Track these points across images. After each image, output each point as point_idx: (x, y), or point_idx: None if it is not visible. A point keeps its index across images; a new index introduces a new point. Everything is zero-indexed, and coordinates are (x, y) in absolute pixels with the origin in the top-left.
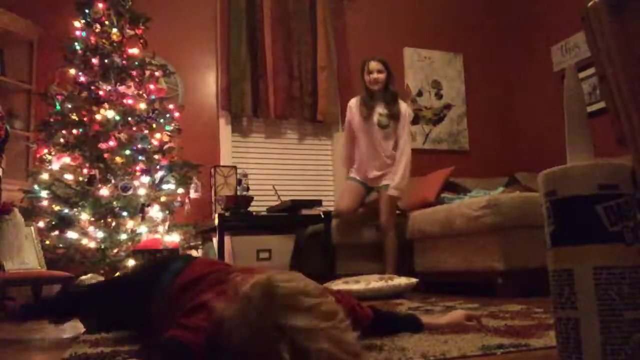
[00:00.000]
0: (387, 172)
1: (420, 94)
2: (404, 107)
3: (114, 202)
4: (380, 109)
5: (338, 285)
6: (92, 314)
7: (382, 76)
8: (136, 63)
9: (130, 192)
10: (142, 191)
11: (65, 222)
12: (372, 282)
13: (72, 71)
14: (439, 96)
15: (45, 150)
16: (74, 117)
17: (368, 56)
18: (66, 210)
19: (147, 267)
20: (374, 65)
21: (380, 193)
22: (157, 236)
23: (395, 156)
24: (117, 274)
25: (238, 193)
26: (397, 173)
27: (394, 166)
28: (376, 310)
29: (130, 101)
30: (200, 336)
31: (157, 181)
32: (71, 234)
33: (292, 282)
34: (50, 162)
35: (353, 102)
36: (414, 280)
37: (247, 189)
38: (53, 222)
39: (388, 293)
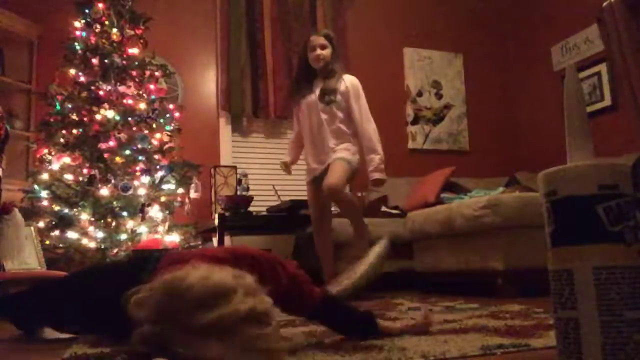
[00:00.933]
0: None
1: (420, 94)
2: (349, 78)
3: (114, 202)
4: (317, 88)
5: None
6: (68, 311)
7: (326, 52)
8: (136, 63)
9: (130, 192)
10: (142, 191)
11: (65, 222)
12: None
13: (72, 71)
14: (439, 96)
15: (45, 150)
16: (74, 117)
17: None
18: (66, 210)
19: (122, 263)
20: (316, 39)
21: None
22: (157, 236)
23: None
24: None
25: (238, 193)
26: (372, 151)
27: (361, 145)
28: (328, 298)
29: (130, 101)
30: None
31: (157, 181)
32: (71, 234)
33: (203, 281)
34: (50, 162)
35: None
36: (382, 241)
37: (247, 189)
38: (53, 222)
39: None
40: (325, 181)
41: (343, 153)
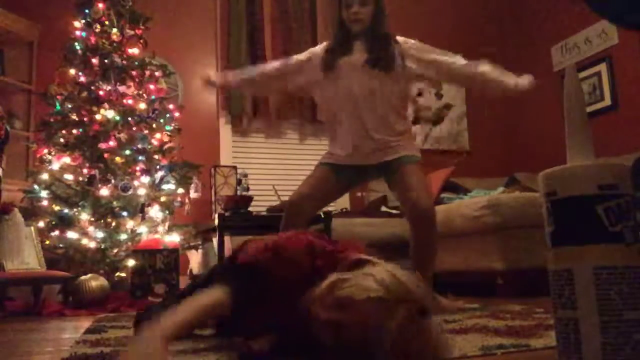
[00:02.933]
0: (393, 142)
1: (420, 94)
2: (403, 39)
3: (114, 202)
4: (364, 51)
5: None
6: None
7: (366, 10)
8: (136, 63)
9: (130, 192)
10: (142, 191)
11: (65, 222)
12: None
13: (72, 71)
14: (438, 96)
15: (45, 150)
16: (74, 117)
17: None
18: (66, 210)
19: None
20: None
21: (397, 170)
22: (157, 236)
23: (399, 126)
24: (118, 274)
25: (238, 193)
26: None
27: (471, 78)
28: None
29: (130, 101)
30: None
31: (157, 181)
32: (71, 234)
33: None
34: (50, 162)
35: (319, 47)
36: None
37: (247, 189)
38: (53, 222)
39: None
40: (419, 201)
41: (412, 149)
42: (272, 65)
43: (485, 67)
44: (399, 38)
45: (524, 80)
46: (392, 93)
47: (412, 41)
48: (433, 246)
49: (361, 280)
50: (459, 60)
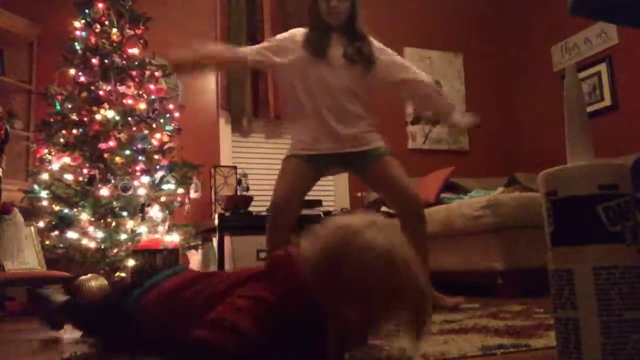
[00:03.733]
0: (366, 132)
1: None
2: (375, 42)
3: (114, 202)
4: (341, 45)
5: None
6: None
7: (344, 6)
8: (136, 63)
9: (130, 192)
10: (142, 191)
11: (65, 222)
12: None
13: (72, 71)
14: None
15: (45, 150)
16: (74, 117)
17: None
18: (66, 210)
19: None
20: None
21: (374, 161)
22: (157, 236)
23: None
24: (118, 274)
25: (238, 193)
26: (441, 102)
27: (428, 96)
28: None
29: (130, 101)
30: (248, 321)
31: (157, 181)
32: (71, 234)
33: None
34: (50, 162)
35: (298, 32)
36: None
37: (247, 189)
38: (53, 222)
39: None
40: (408, 191)
41: (379, 140)
42: (251, 48)
43: (440, 95)
44: (376, 43)
45: (468, 120)
46: (364, 88)
47: (389, 51)
48: (425, 237)
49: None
50: (423, 78)
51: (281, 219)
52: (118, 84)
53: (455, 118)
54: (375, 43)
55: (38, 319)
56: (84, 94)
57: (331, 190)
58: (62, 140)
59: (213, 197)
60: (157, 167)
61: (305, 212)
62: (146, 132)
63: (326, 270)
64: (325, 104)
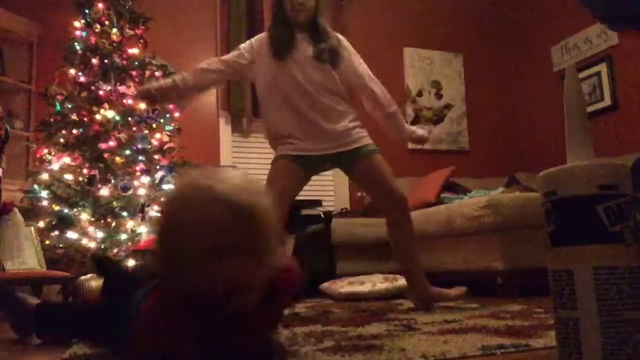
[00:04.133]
0: (351, 128)
1: (420, 94)
2: (340, 36)
3: (114, 202)
4: (308, 42)
5: (343, 286)
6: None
7: (310, 1)
8: (136, 63)
9: (130, 192)
10: (142, 191)
11: (65, 222)
12: (378, 283)
13: (72, 71)
14: (439, 96)
15: (45, 150)
16: (74, 117)
17: None
18: (66, 210)
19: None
20: None
21: (362, 160)
22: None
23: (344, 108)
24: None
25: None
26: (395, 118)
27: (380, 109)
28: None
29: (130, 101)
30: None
31: (157, 181)
32: (71, 234)
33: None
34: (50, 162)
35: (260, 37)
36: None
37: None
38: (53, 222)
39: (394, 294)
40: (395, 191)
41: (367, 138)
42: (211, 64)
43: (395, 110)
44: (334, 33)
45: (423, 131)
46: (337, 83)
47: (345, 41)
48: (411, 236)
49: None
50: (376, 84)
51: None
52: (118, 84)
53: (411, 133)
54: (343, 40)
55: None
56: (84, 94)
57: (331, 190)
58: (62, 140)
59: None
60: (157, 167)
61: (305, 212)
62: (146, 132)
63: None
64: (303, 103)
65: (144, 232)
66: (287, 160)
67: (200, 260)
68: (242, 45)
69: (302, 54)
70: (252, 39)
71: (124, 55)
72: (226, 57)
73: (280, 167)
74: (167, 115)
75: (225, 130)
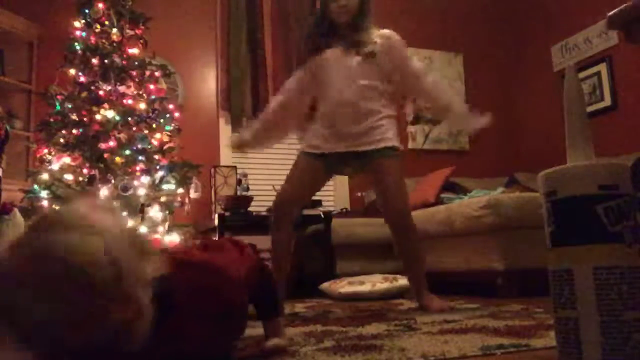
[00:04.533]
0: (374, 128)
1: None
2: (386, 32)
3: (114, 202)
4: (350, 40)
5: (343, 286)
6: None
7: (352, 2)
8: (136, 63)
9: (130, 192)
10: (142, 191)
11: None
12: (378, 284)
13: (72, 71)
14: None
15: (45, 150)
16: (74, 117)
17: None
18: None
19: None
20: None
21: (374, 162)
22: (157, 236)
23: (380, 113)
24: None
25: (238, 193)
26: (452, 99)
27: (432, 95)
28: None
29: (130, 101)
30: None
31: (157, 181)
32: None
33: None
34: (50, 162)
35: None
36: None
37: (247, 189)
38: None
39: (394, 294)
40: (393, 203)
41: (392, 139)
42: (274, 103)
43: (455, 100)
44: (385, 32)
45: (483, 120)
46: (374, 81)
47: (393, 35)
48: (415, 247)
49: None
50: (423, 72)
51: (284, 219)
52: (118, 84)
53: (460, 118)
54: (392, 38)
55: None
56: (84, 94)
57: (331, 190)
58: (62, 140)
59: (213, 197)
60: (157, 167)
61: (305, 212)
62: (146, 132)
63: None
64: (334, 101)
65: (144, 232)
66: (309, 158)
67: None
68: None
69: (341, 53)
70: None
71: (124, 55)
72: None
73: (301, 165)
74: (167, 115)
75: (225, 130)
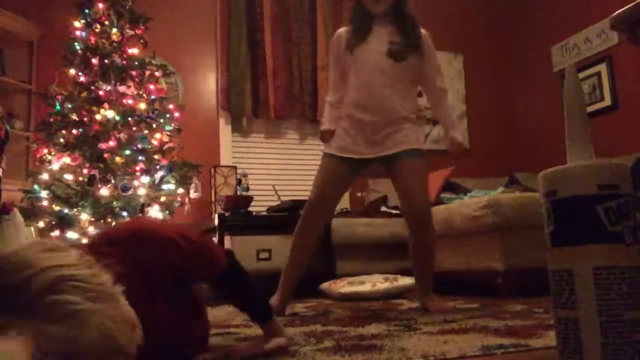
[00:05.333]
0: (400, 130)
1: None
2: (425, 34)
3: (114, 202)
4: (386, 36)
5: (343, 286)
6: None
7: None
8: (136, 63)
9: (130, 192)
10: (142, 191)
11: (65, 222)
12: (378, 284)
13: (72, 71)
14: None
15: (45, 150)
16: (74, 117)
17: None
18: (66, 210)
19: None
20: None
21: (397, 162)
22: None
23: (409, 111)
24: None
25: (238, 193)
26: (447, 116)
27: (436, 111)
28: (234, 264)
29: (130, 101)
30: None
31: (157, 181)
32: (71, 234)
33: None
34: (50, 162)
35: (343, 30)
36: None
37: (247, 189)
38: (53, 222)
39: (394, 294)
40: (414, 202)
41: (415, 142)
42: (337, 88)
43: (447, 112)
44: (423, 32)
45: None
46: (406, 80)
47: (426, 36)
48: (430, 246)
49: None
50: (443, 96)
51: (315, 217)
52: (118, 84)
53: (452, 135)
54: (427, 39)
55: None
56: (84, 94)
57: None
58: (62, 140)
59: (213, 197)
60: (157, 167)
61: None
62: (146, 132)
63: None
64: (361, 100)
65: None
66: (332, 159)
67: None
68: (330, 57)
69: (376, 49)
70: (333, 40)
71: (124, 55)
72: (332, 82)
73: (326, 165)
74: (167, 115)
75: (225, 130)
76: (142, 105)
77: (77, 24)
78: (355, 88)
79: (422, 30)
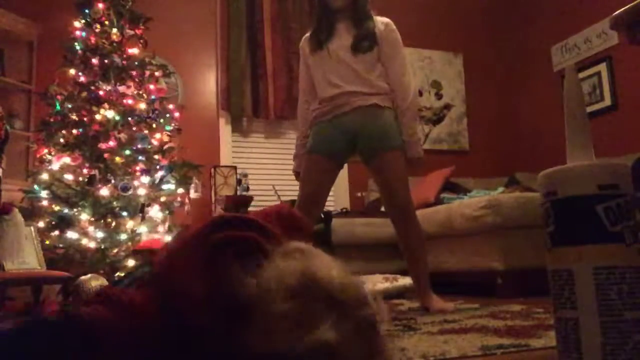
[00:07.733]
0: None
1: (420, 94)
2: (384, 20)
3: (114, 202)
4: (345, 33)
5: None
6: None
7: None
8: (136, 63)
9: (130, 192)
10: (142, 191)
11: (65, 222)
12: (378, 284)
13: (72, 71)
14: (438, 96)
15: (45, 150)
16: (74, 117)
17: None
18: (66, 210)
19: None
20: None
21: (378, 157)
22: (157, 236)
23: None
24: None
25: (238, 193)
26: (402, 117)
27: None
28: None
29: (130, 101)
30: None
31: (157, 181)
32: (71, 234)
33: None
34: (50, 162)
35: (306, 35)
36: None
37: (247, 189)
38: (53, 222)
39: (394, 294)
40: (395, 196)
41: (395, 133)
42: (304, 99)
43: (407, 118)
44: (380, 19)
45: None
46: (372, 71)
47: (390, 26)
48: (418, 239)
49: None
50: (404, 87)
51: (307, 217)
52: (118, 84)
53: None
54: (388, 27)
55: None
56: (84, 94)
57: (331, 190)
58: (62, 140)
59: (213, 197)
60: (157, 167)
61: None
62: (146, 132)
63: None
64: (330, 96)
65: (144, 232)
66: (316, 155)
67: None
68: (300, 67)
69: (341, 46)
70: (300, 47)
71: (124, 55)
72: (302, 84)
73: (311, 164)
74: (167, 115)
75: (225, 130)
76: (142, 105)
77: (77, 24)
78: (322, 87)
79: (384, 19)
